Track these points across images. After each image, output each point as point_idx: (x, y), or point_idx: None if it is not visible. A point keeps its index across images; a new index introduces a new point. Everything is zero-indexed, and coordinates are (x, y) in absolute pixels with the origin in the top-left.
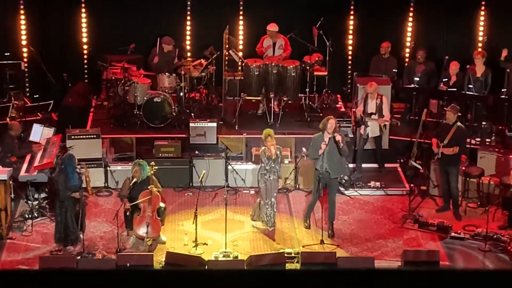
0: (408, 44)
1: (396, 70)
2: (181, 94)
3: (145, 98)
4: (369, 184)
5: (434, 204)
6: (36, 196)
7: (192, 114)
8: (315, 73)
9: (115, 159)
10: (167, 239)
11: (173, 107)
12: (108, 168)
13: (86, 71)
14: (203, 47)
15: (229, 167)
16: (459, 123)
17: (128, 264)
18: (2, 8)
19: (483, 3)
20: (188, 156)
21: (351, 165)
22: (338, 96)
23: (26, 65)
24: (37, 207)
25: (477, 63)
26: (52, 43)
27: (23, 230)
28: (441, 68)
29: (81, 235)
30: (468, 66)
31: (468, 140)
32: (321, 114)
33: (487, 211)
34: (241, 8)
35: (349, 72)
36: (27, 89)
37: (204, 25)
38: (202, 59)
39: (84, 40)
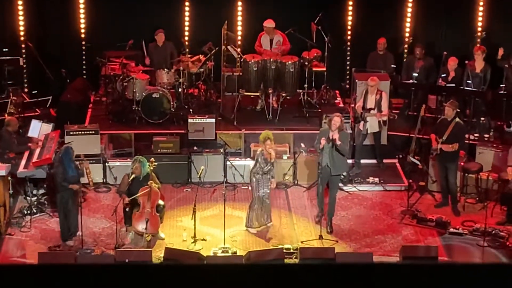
0: (406, 39)
1: (394, 66)
2: (180, 90)
3: (143, 94)
4: (367, 179)
5: (432, 200)
6: (34, 192)
7: (191, 110)
8: (314, 69)
9: (114, 155)
10: (166, 235)
11: (172, 103)
12: (106, 164)
13: (84, 67)
14: (202, 43)
15: (228, 163)
16: (457, 119)
17: (126, 260)
18: (0, 3)
19: None
20: (187, 152)
21: (349, 161)
22: (337, 91)
23: (24, 61)
24: (35, 203)
25: (477, 59)
26: (50, 39)
27: (21, 226)
28: (440, 63)
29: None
30: (467, 62)
31: (466, 135)
32: (319, 110)
33: (485, 206)
34: (239, 3)
35: (348, 68)
36: (26, 85)
37: (203, 21)
38: (200, 55)
39: (83, 36)
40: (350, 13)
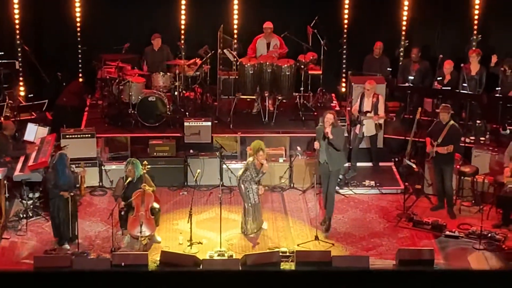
0: (402, 43)
1: (390, 69)
2: (176, 93)
3: (139, 97)
4: (363, 182)
5: (428, 203)
6: (30, 195)
7: (187, 113)
8: (310, 72)
9: (110, 158)
10: (162, 238)
11: (168, 106)
12: (102, 167)
13: (80, 70)
14: (198, 46)
15: (224, 166)
16: (452, 122)
17: (123, 264)
18: None
19: (477, 1)
20: (183, 155)
21: (345, 164)
22: (333, 95)
23: (20, 64)
24: (31, 206)
25: (472, 62)
26: (46, 42)
27: (17, 229)
28: (436, 66)
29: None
30: (462, 65)
31: (462, 138)
32: (315, 113)
33: (481, 209)
34: (235, 7)
35: (344, 71)
36: (22, 88)
37: (199, 24)
38: (196, 58)
39: (79, 39)
40: (346, 16)
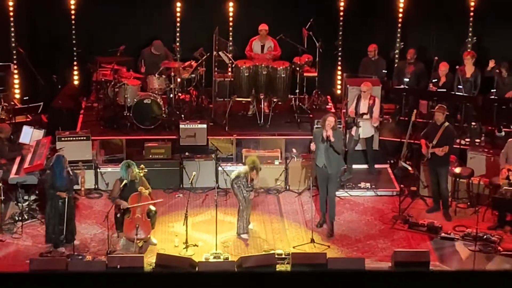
0: (397, 45)
1: (385, 71)
2: (171, 95)
3: (135, 99)
4: (359, 185)
5: (424, 205)
6: (26, 198)
7: (182, 116)
8: (305, 74)
9: (105, 161)
10: (158, 241)
11: (163, 109)
12: (98, 170)
13: (75, 72)
14: (193, 49)
15: (220, 168)
16: (447, 123)
17: (118, 266)
18: None
19: (472, 4)
20: (178, 157)
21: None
22: (328, 97)
23: (15, 67)
24: (27, 209)
25: (466, 64)
26: (41, 44)
27: (13, 232)
28: (431, 68)
29: (72, 237)
30: (457, 67)
31: (457, 140)
32: (311, 115)
33: (477, 211)
34: (231, 9)
35: (339, 73)
36: (17, 91)
37: (194, 27)
38: (192, 61)
39: (74, 41)
40: (341, 18)
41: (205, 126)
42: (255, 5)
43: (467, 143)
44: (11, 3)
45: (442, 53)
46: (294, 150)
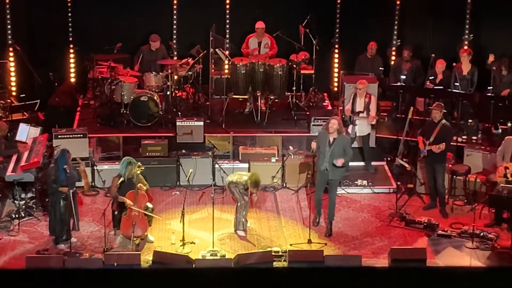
0: (394, 42)
1: (382, 68)
2: (168, 93)
3: (131, 97)
4: (356, 182)
5: (421, 202)
6: (22, 196)
7: (179, 113)
8: (302, 72)
9: (102, 158)
10: (155, 238)
11: (160, 106)
12: (95, 168)
13: (72, 70)
14: (190, 46)
15: (216, 166)
16: (444, 121)
17: (115, 264)
18: None
19: (469, 1)
20: (175, 155)
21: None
22: (325, 94)
23: (12, 64)
24: (23, 207)
25: (463, 61)
26: (38, 42)
27: (9, 230)
28: (428, 66)
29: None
30: (454, 64)
31: (454, 137)
32: (307, 113)
33: (473, 208)
34: (227, 6)
35: (336, 70)
36: (13, 89)
37: (191, 24)
38: (188, 58)
39: (71, 39)
40: (338, 15)
41: (202, 123)
42: (252, 2)
43: (464, 140)
44: (7, 0)
45: (439, 51)
46: (291, 148)
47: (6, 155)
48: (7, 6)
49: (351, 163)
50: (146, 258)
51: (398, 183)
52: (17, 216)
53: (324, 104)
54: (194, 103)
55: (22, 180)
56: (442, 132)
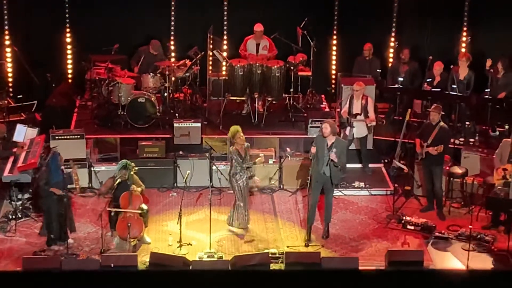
0: (392, 44)
1: (380, 70)
2: (165, 94)
3: (129, 98)
4: (353, 184)
5: (418, 204)
6: (19, 196)
7: (176, 114)
8: (299, 73)
9: (99, 160)
10: (152, 240)
11: (157, 108)
12: (92, 169)
13: (70, 71)
14: (187, 47)
15: (214, 167)
16: (442, 123)
17: (112, 265)
18: None
19: (466, 3)
20: (173, 156)
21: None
22: (323, 96)
23: (9, 65)
24: (20, 207)
25: (461, 66)
26: (35, 43)
27: (6, 230)
28: (425, 68)
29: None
30: (452, 67)
31: (451, 140)
32: (305, 114)
33: (470, 211)
34: (225, 8)
35: (333, 72)
36: (11, 89)
37: (188, 25)
38: (186, 59)
39: (68, 40)
40: (335, 17)
41: (199, 125)
42: (250, 4)
43: (461, 142)
44: (5, 1)
45: (437, 53)
46: (288, 149)
47: (3, 156)
48: (5, 7)
49: (348, 165)
50: (143, 260)
51: (396, 185)
52: (14, 217)
53: (321, 106)
54: (192, 104)
55: (19, 181)
56: (440, 134)
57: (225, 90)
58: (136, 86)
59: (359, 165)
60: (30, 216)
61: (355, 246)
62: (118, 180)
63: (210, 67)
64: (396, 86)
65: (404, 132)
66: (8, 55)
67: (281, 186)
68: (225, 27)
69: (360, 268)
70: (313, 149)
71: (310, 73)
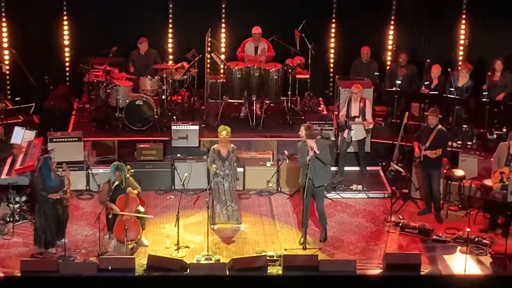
0: (390, 47)
1: (378, 73)
2: (163, 97)
3: (127, 101)
4: (351, 187)
5: (415, 207)
6: (17, 199)
7: (174, 117)
8: (297, 76)
9: (97, 162)
10: (149, 242)
11: (155, 110)
12: (89, 171)
13: (68, 73)
14: (185, 50)
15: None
16: (440, 126)
17: (109, 268)
18: None
19: (464, 6)
20: (170, 159)
21: (333, 168)
22: (320, 99)
23: (7, 67)
24: (18, 210)
25: (461, 75)
26: (33, 45)
27: (4, 233)
28: (423, 71)
29: (61, 241)
30: (450, 70)
31: (449, 143)
32: (303, 117)
33: (468, 214)
34: (223, 11)
35: (331, 75)
36: (9, 92)
37: (186, 28)
38: (184, 62)
39: (66, 42)
40: (333, 20)
41: (197, 127)
42: (248, 7)
43: (459, 145)
44: (3, 3)
45: (434, 56)
46: (286, 152)
47: (1, 158)
48: (3, 9)
49: (346, 168)
50: (141, 262)
51: (393, 188)
52: (11, 219)
53: (319, 108)
54: (189, 107)
55: (17, 184)
56: (438, 137)
57: (223, 93)
58: (134, 88)
59: (357, 168)
60: (28, 218)
61: (352, 249)
62: (116, 183)
63: (208, 70)
64: (394, 89)
65: (401, 135)
66: (6, 57)
67: (279, 189)
68: (223, 30)
69: (357, 271)
70: (312, 153)
71: (308, 76)
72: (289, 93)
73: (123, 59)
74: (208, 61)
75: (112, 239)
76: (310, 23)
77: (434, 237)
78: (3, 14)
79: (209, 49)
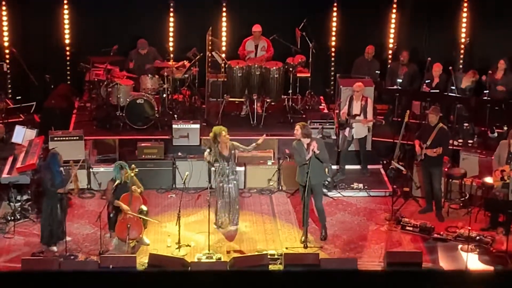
0: (391, 46)
1: (379, 72)
2: (164, 95)
3: (127, 99)
4: (352, 185)
5: (416, 205)
6: (18, 198)
7: (175, 116)
8: (298, 75)
9: (98, 161)
10: (150, 241)
11: (156, 109)
12: (91, 170)
13: (68, 72)
14: (186, 49)
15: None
16: (441, 124)
17: (110, 266)
18: None
19: (465, 4)
20: (171, 157)
21: (334, 167)
22: (321, 97)
23: (8, 66)
24: (19, 209)
25: (465, 79)
26: (34, 44)
27: (5, 232)
28: (424, 69)
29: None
30: (451, 68)
31: (450, 141)
32: (304, 116)
33: (469, 212)
34: (224, 9)
35: (332, 73)
36: (9, 91)
37: (187, 27)
38: (185, 61)
39: (67, 41)
40: (334, 19)
41: (198, 126)
42: (249, 5)
43: (460, 144)
44: (3, 2)
45: (435, 54)
46: (287, 151)
47: (2, 157)
48: (4, 8)
49: (347, 166)
50: (142, 261)
51: (394, 186)
52: (12, 218)
53: (320, 107)
54: (190, 106)
55: (18, 182)
56: (439, 135)
57: (224, 92)
58: (134, 87)
59: (358, 167)
60: (29, 217)
61: (353, 248)
62: (117, 181)
63: (209, 69)
64: (395, 87)
65: (403, 134)
66: (7, 56)
67: (280, 187)
68: (224, 29)
69: (358, 269)
70: (312, 152)
71: (308, 75)
72: (290, 91)
73: (124, 58)
74: (209, 59)
75: (114, 238)
76: (311, 22)
77: (435, 235)
78: (4, 13)
79: (210, 47)
